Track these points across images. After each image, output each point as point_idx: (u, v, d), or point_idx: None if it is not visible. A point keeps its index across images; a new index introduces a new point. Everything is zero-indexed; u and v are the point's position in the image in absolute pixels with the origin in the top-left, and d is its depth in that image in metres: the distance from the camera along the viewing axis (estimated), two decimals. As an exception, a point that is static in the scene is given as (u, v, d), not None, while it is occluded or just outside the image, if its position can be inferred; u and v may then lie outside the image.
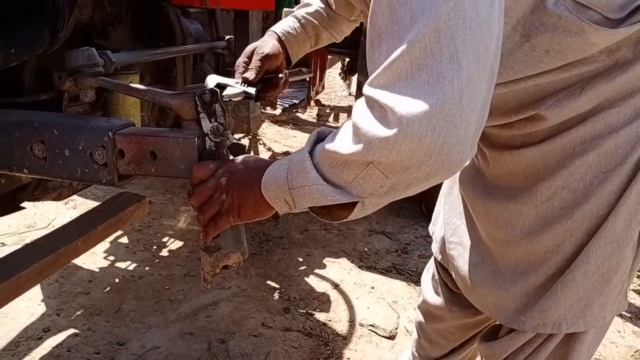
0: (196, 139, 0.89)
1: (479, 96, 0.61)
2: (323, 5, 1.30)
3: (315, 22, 1.29)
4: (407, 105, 0.59)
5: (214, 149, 0.90)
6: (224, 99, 1.05)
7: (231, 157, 0.92)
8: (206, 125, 0.89)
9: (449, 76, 0.59)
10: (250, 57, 1.18)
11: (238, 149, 0.92)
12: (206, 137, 0.89)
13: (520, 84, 0.92)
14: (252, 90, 1.13)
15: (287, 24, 1.27)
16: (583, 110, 0.92)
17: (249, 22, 2.04)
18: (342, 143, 0.67)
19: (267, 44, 1.20)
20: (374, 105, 0.63)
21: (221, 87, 1.09)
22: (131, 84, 0.95)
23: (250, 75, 1.14)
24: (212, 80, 1.12)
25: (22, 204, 1.51)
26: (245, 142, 4.07)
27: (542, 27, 0.84)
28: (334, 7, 1.28)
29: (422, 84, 0.59)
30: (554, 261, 1.01)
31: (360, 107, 0.66)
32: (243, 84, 1.12)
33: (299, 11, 1.30)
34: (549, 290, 1.03)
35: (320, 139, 0.76)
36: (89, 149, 0.95)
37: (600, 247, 0.96)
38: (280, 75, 1.23)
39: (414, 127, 0.58)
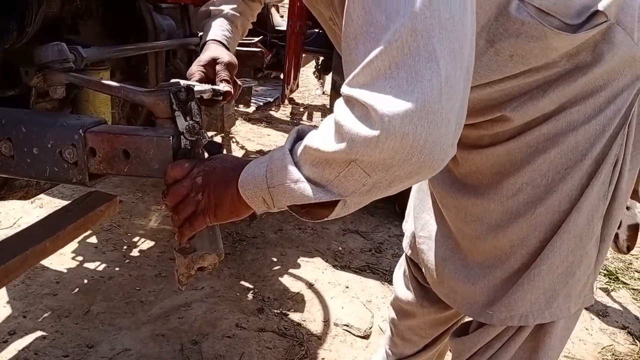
0: (171, 138, 0.87)
1: (457, 95, 0.62)
2: None
3: (242, 17, 1.32)
4: (388, 104, 0.59)
5: (189, 147, 0.88)
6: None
7: (207, 156, 0.90)
8: (181, 123, 0.87)
9: (428, 75, 0.59)
10: (210, 67, 1.16)
11: (214, 147, 0.90)
12: (181, 136, 0.88)
13: (486, 89, 0.95)
14: (221, 88, 1.10)
15: (222, 27, 1.28)
16: (546, 111, 0.95)
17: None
18: (324, 141, 0.66)
19: (224, 54, 1.19)
20: (354, 104, 0.63)
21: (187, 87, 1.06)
22: (103, 81, 0.93)
23: (230, 88, 1.13)
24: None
25: (-13, 204, 1.46)
26: (218, 140, 4.03)
27: (506, 33, 0.87)
28: None
29: (401, 83, 0.59)
30: (520, 255, 1.04)
31: (341, 106, 0.66)
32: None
33: (225, 9, 1.30)
34: (515, 283, 1.05)
35: (300, 137, 0.75)
36: (59, 147, 0.92)
37: (564, 241, 1.00)
38: (238, 87, 1.23)
39: (396, 126, 0.59)
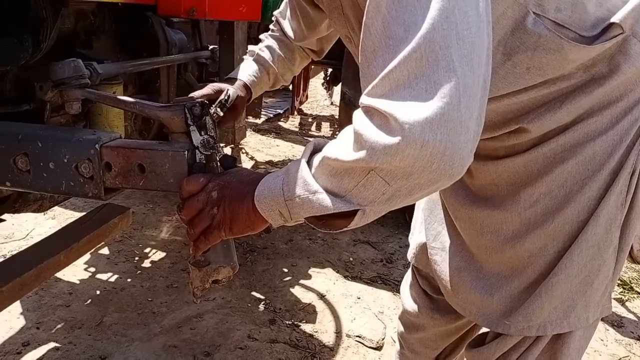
0: (186, 152, 0.87)
1: (475, 103, 0.63)
2: (278, 45, 1.38)
3: (276, 69, 1.37)
4: (408, 112, 0.60)
5: (204, 162, 0.89)
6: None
7: (222, 170, 0.90)
8: (196, 138, 0.88)
9: (446, 84, 0.60)
10: (216, 94, 1.20)
11: (229, 161, 0.91)
12: (196, 150, 0.88)
13: (504, 101, 0.95)
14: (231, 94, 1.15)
15: (251, 69, 1.33)
16: (563, 122, 0.95)
17: (234, 33, 2.03)
18: (343, 150, 0.67)
19: (234, 87, 1.25)
20: (373, 113, 0.64)
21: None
22: (119, 97, 0.94)
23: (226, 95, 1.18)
24: None
25: (2, 216, 1.47)
26: (228, 151, 4.05)
27: (523, 46, 0.87)
28: (293, 39, 1.35)
29: (421, 92, 0.60)
30: (538, 265, 1.04)
31: (359, 116, 0.66)
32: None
33: (263, 56, 1.36)
34: (533, 293, 1.05)
35: (317, 149, 0.76)
36: (75, 162, 0.93)
37: (582, 250, 0.99)
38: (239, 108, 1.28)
39: (416, 133, 0.59)
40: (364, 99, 0.65)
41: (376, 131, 0.62)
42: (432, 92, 0.60)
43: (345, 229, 0.73)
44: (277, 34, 1.40)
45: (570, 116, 0.94)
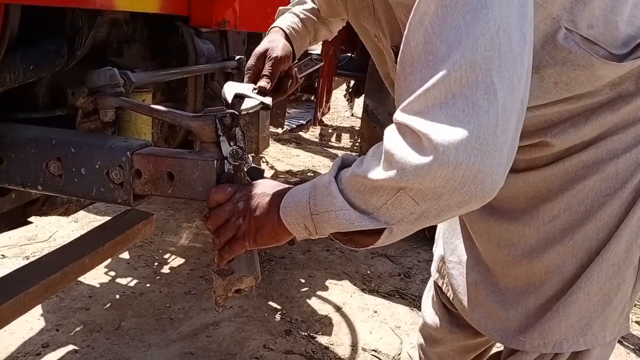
0: (215, 162, 0.89)
1: (511, 127, 0.63)
2: (316, 5, 1.29)
3: (314, 18, 1.28)
4: (443, 133, 0.60)
5: (232, 172, 0.90)
6: (242, 112, 1.05)
7: (249, 181, 0.92)
8: (225, 148, 0.89)
9: (485, 106, 0.60)
10: (261, 60, 1.15)
11: (256, 173, 0.92)
12: (225, 160, 0.89)
13: (528, 113, 0.94)
14: (268, 101, 1.11)
15: (289, 19, 1.25)
16: (587, 138, 0.95)
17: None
18: (372, 168, 0.67)
19: (277, 44, 1.16)
20: (406, 131, 0.64)
21: (239, 96, 1.08)
22: (152, 105, 0.96)
23: (266, 84, 1.12)
24: (229, 89, 1.10)
25: (29, 219, 1.50)
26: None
27: (552, 60, 0.87)
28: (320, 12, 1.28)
29: (457, 113, 0.60)
30: (555, 281, 1.03)
31: (391, 133, 0.66)
32: (258, 93, 1.11)
33: (296, 8, 1.28)
34: (549, 310, 1.04)
35: (345, 164, 0.76)
36: (106, 168, 0.95)
37: (602, 269, 0.98)
38: (290, 80, 1.22)
39: (450, 155, 0.59)
40: (398, 115, 0.65)
41: (408, 150, 0.62)
42: (469, 113, 0.60)
43: (371, 246, 0.73)
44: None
45: (594, 132, 0.94)
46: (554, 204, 0.99)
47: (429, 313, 1.50)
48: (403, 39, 0.67)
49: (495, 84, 0.60)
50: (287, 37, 1.21)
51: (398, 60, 0.69)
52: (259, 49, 1.16)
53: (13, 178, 1.05)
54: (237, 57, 2.16)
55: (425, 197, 0.63)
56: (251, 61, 1.15)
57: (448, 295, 1.30)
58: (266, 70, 1.13)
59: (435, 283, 1.44)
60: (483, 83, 0.60)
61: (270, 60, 1.13)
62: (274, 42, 1.17)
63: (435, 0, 0.63)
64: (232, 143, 0.89)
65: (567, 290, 1.01)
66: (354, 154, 3.67)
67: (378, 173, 0.66)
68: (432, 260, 1.44)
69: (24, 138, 1.02)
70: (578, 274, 1.00)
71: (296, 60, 1.28)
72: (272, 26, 1.24)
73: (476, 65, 0.60)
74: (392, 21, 0.85)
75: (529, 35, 0.66)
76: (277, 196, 0.82)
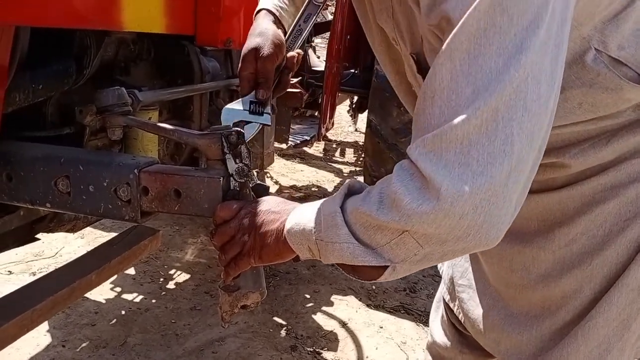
0: (221, 179, 0.90)
1: (524, 176, 0.62)
2: None
3: None
4: (453, 183, 0.59)
5: (238, 189, 0.92)
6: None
7: (255, 198, 0.93)
8: (231, 165, 0.91)
9: (500, 158, 0.59)
10: (252, 63, 1.03)
11: (261, 189, 0.93)
12: (231, 178, 0.91)
13: None
14: (267, 120, 1.05)
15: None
16: (605, 161, 0.93)
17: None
18: (378, 207, 0.66)
19: (266, 39, 1.03)
20: (415, 172, 0.63)
21: (237, 125, 1.02)
22: (159, 124, 0.98)
23: (264, 94, 1.03)
24: (227, 117, 1.05)
25: (37, 235, 1.51)
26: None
27: (578, 81, 0.85)
28: None
29: (471, 162, 0.59)
30: (572, 306, 1.01)
31: (401, 172, 0.66)
32: (258, 105, 1.04)
33: None
34: (566, 335, 1.02)
35: (351, 192, 0.76)
36: (114, 186, 0.96)
37: (622, 294, 0.96)
38: (288, 72, 1.11)
39: (457, 206, 0.58)
40: (412, 152, 0.65)
41: (415, 195, 0.62)
42: (483, 163, 0.58)
43: (375, 281, 0.73)
44: None
45: (614, 154, 0.92)
46: (571, 227, 0.97)
47: (438, 332, 1.48)
48: (431, 67, 0.65)
49: (514, 135, 0.59)
50: (276, 20, 1.08)
51: (421, 87, 0.67)
52: (248, 48, 1.03)
53: (22, 196, 1.07)
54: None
55: (429, 242, 0.63)
56: (242, 66, 1.04)
57: (460, 318, 1.29)
58: (261, 76, 1.03)
59: (446, 303, 1.43)
60: (502, 133, 0.59)
61: (262, 61, 1.02)
62: (262, 36, 1.04)
63: (470, 37, 0.60)
64: (237, 160, 0.90)
65: (585, 315, 0.99)
66: (360, 178, 3.67)
67: (384, 214, 0.65)
68: (437, 276, 1.43)
69: (33, 156, 1.04)
70: (596, 298, 0.98)
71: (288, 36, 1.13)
72: (258, 8, 1.11)
73: (498, 114, 0.59)
74: (415, 29, 0.82)
75: (558, 79, 0.64)
76: (282, 214, 0.82)
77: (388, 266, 0.69)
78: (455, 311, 1.31)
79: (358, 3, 0.99)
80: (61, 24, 1.16)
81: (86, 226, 1.68)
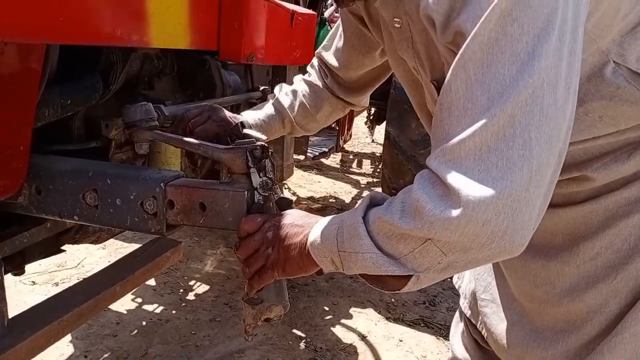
0: (246, 192, 0.91)
1: (545, 181, 0.62)
2: (307, 91, 1.32)
3: (292, 118, 1.31)
4: (474, 189, 0.59)
5: (262, 202, 0.93)
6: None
7: (278, 211, 0.94)
8: (256, 179, 0.92)
9: (519, 163, 0.59)
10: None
11: (285, 203, 0.94)
12: (255, 191, 0.92)
13: (569, 147, 0.93)
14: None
15: (263, 114, 1.30)
16: (628, 174, 0.93)
17: (287, 75, 2.11)
18: (401, 216, 0.67)
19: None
20: (436, 181, 0.64)
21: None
22: (184, 138, 0.99)
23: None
24: None
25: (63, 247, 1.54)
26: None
27: (598, 94, 0.85)
28: (337, 67, 1.29)
29: (491, 168, 0.59)
30: (597, 321, 1.00)
31: (423, 181, 0.66)
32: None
33: (282, 102, 1.32)
34: (592, 350, 1.00)
35: (373, 203, 0.76)
36: (140, 199, 0.98)
37: None
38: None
39: (479, 212, 0.59)
40: (431, 162, 0.65)
41: (437, 203, 0.62)
42: (502, 169, 0.59)
43: (399, 291, 0.72)
44: (311, 78, 1.36)
45: (637, 167, 0.92)
46: (595, 241, 0.96)
47: (459, 347, 1.46)
48: (446, 79, 0.67)
49: (532, 140, 0.59)
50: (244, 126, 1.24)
51: (438, 99, 0.68)
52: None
53: (50, 208, 1.09)
54: (262, 87, 2.21)
55: (453, 250, 0.63)
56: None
57: (482, 333, 1.28)
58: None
59: (467, 318, 1.41)
60: (520, 138, 0.59)
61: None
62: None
63: (482, 47, 0.61)
64: (262, 174, 0.92)
65: (611, 330, 0.98)
66: (377, 189, 3.66)
67: (406, 222, 0.65)
68: (456, 288, 1.42)
69: (62, 170, 1.06)
70: (622, 313, 0.97)
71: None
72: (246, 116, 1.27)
73: (515, 120, 0.59)
74: (435, 56, 0.84)
75: (573, 85, 0.64)
76: (305, 227, 0.83)
77: (412, 276, 0.69)
78: (478, 326, 1.29)
79: (385, 34, 1.02)
80: (91, 42, 1.18)
81: (110, 237, 1.70)
